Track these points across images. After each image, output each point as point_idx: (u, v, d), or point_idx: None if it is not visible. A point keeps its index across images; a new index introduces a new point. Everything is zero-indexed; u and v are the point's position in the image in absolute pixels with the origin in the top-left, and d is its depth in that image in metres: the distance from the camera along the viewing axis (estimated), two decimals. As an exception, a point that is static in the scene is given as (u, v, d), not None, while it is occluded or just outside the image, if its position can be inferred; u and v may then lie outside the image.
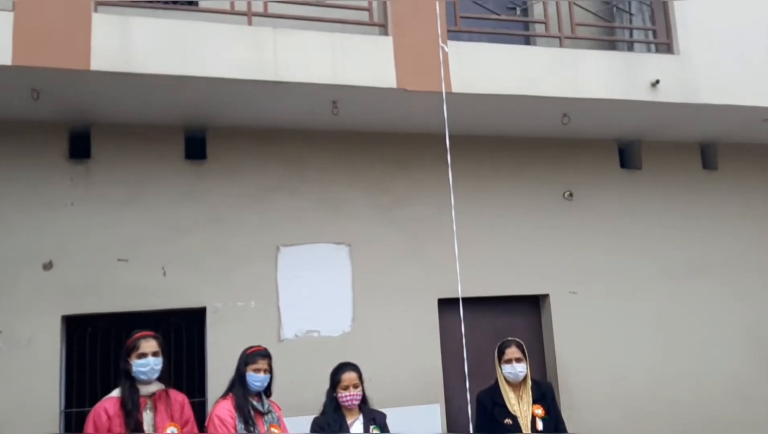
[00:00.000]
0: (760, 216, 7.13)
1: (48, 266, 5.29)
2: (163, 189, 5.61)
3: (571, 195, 6.58)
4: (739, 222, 7.02)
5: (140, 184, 5.56)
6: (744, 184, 7.11)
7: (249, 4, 5.15)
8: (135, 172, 5.56)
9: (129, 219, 5.49)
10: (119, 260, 5.42)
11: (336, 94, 5.32)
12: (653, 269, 6.67)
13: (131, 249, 5.45)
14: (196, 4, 5.85)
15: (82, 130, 5.54)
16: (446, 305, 5.89)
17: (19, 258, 5.22)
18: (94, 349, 5.47)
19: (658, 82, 5.83)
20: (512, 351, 4.43)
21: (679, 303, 6.68)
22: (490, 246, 6.27)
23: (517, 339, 4.54)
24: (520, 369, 4.39)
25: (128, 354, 3.82)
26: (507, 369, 4.41)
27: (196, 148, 5.78)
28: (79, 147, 5.53)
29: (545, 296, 6.42)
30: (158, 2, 5.58)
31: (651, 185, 6.84)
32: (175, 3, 5.79)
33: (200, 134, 5.79)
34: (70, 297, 5.27)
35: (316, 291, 5.77)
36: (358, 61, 5.20)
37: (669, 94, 5.89)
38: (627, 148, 6.95)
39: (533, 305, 6.50)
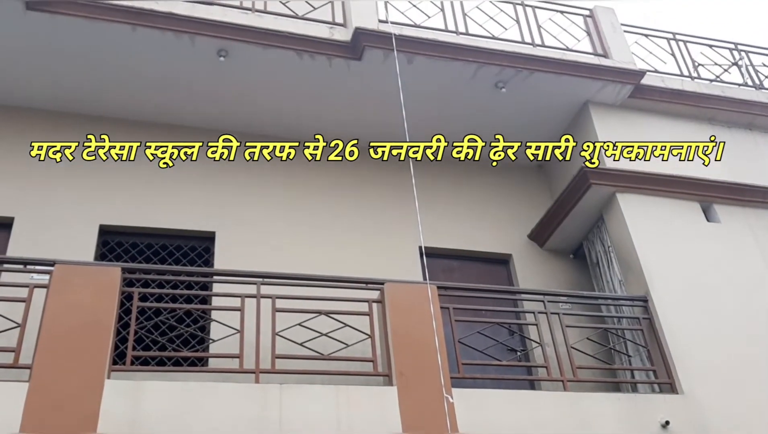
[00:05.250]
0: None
1: None
2: None
3: None
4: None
5: None
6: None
7: (257, 362, 5.33)
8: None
9: None
10: None
11: (341, 447, 5.22)
12: None
13: None
14: (206, 363, 6.08)
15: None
16: None
17: None
18: None
19: (668, 423, 5.74)
20: None
21: None
22: None
23: None
24: None
25: None
26: None
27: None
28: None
29: None
30: (170, 366, 5.79)
31: None
32: (185, 360, 6.00)
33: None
34: None
35: None
36: (363, 412, 5.20)
37: (680, 434, 5.76)
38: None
39: None
